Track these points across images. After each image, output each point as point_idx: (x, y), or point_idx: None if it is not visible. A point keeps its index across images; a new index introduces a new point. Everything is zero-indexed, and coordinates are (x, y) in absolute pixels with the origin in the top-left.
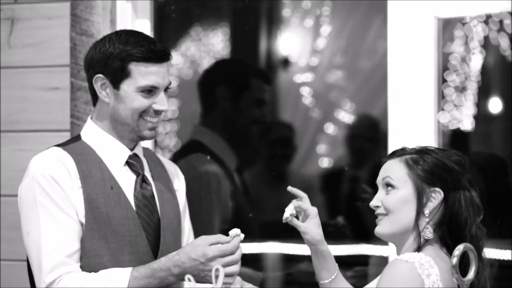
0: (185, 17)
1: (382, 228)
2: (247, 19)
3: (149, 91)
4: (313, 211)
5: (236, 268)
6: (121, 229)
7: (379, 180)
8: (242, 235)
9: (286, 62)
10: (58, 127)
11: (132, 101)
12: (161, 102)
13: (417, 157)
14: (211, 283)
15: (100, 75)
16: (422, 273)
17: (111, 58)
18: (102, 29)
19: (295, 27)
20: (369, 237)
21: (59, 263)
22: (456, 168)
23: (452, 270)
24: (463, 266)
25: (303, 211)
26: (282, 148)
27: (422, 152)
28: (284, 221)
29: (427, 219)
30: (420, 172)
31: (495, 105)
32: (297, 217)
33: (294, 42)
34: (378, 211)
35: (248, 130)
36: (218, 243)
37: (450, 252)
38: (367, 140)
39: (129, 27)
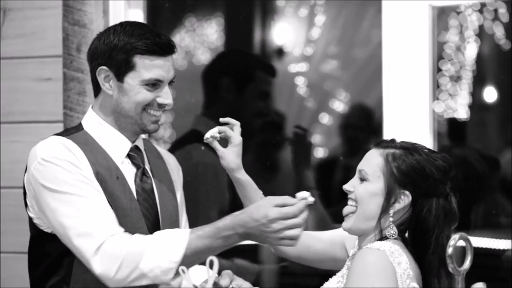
0: (179, 7)
1: (347, 224)
2: (241, 9)
3: (154, 84)
4: (237, 139)
5: (297, 231)
6: (123, 220)
7: (358, 168)
8: (312, 199)
9: (280, 52)
10: (51, 118)
11: (136, 94)
12: (165, 95)
13: (399, 154)
14: (273, 244)
15: (104, 67)
16: (393, 261)
17: (115, 50)
18: (94, 19)
19: (289, 16)
20: None
21: (106, 224)
22: (435, 174)
23: (448, 260)
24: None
25: (229, 137)
26: (276, 138)
27: (408, 149)
28: (204, 141)
29: (391, 219)
30: (395, 171)
31: (490, 94)
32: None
33: (289, 32)
34: (349, 196)
35: (251, 122)
36: (283, 204)
37: (411, 253)
38: (362, 129)
39: (121, 17)
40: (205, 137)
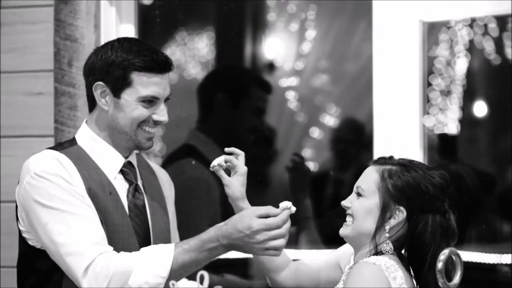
0: (170, 21)
1: (344, 230)
2: (232, 23)
3: (150, 101)
4: (243, 169)
5: (282, 242)
6: (115, 236)
7: (355, 184)
8: (294, 208)
9: (271, 66)
10: (42, 133)
11: (132, 110)
12: (161, 113)
13: (395, 171)
14: (258, 254)
15: (101, 82)
16: (388, 276)
17: (112, 66)
18: (86, 34)
19: (280, 31)
20: None
21: (95, 243)
22: (431, 191)
23: (438, 274)
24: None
25: (234, 167)
26: (267, 152)
27: (405, 166)
28: (211, 169)
29: (387, 234)
30: (390, 187)
31: (480, 108)
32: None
33: (279, 46)
34: (347, 211)
35: (245, 138)
36: (267, 215)
37: (407, 269)
38: (352, 143)
39: (113, 32)
40: (211, 165)
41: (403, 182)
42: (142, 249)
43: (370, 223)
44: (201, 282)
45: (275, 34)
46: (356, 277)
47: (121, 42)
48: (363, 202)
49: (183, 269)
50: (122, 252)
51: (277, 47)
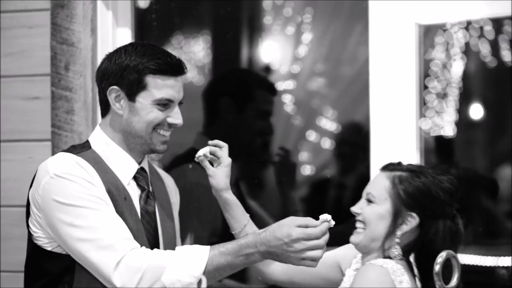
0: (166, 25)
1: (355, 238)
2: (228, 27)
3: (165, 104)
4: (227, 160)
5: (319, 253)
6: None
7: (365, 190)
8: (333, 222)
9: (267, 70)
10: (39, 137)
11: (148, 113)
12: (176, 116)
13: (406, 177)
14: (294, 264)
15: (115, 86)
16: (395, 279)
17: (127, 70)
18: (82, 38)
19: (276, 34)
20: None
21: (126, 238)
22: (441, 196)
23: (435, 277)
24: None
25: (218, 158)
26: (264, 156)
27: (414, 172)
28: (195, 160)
29: (397, 240)
30: (402, 193)
31: (476, 111)
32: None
33: (276, 50)
34: (357, 218)
35: (251, 142)
36: (306, 225)
37: (413, 273)
38: (350, 146)
39: (110, 36)
40: (196, 156)
41: (414, 188)
42: (178, 247)
43: (382, 229)
44: (199, 286)
45: (271, 38)
46: (362, 278)
47: (135, 46)
48: (375, 208)
49: (217, 271)
50: (155, 249)
51: (273, 50)
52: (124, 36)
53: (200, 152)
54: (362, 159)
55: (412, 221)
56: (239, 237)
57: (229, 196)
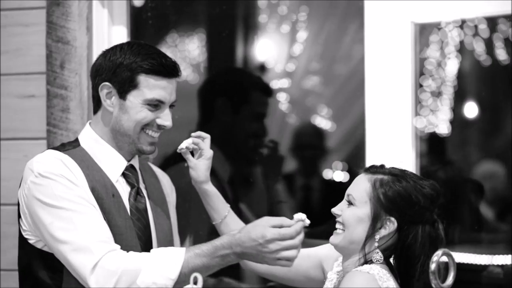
0: (162, 23)
1: (334, 239)
2: (223, 25)
3: (155, 105)
4: (209, 153)
5: (294, 253)
6: (118, 238)
7: (346, 192)
8: (308, 221)
9: (262, 68)
10: (34, 135)
11: (137, 112)
12: (165, 117)
13: (387, 180)
14: (270, 264)
15: (107, 83)
16: (382, 285)
17: (120, 67)
18: (78, 36)
19: (271, 33)
20: None
21: (103, 241)
22: (421, 202)
23: (431, 276)
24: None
25: (200, 150)
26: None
27: (396, 176)
28: (178, 151)
29: (376, 244)
30: (382, 197)
31: (470, 109)
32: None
33: (271, 48)
34: (337, 219)
35: (246, 142)
36: (280, 225)
37: (395, 278)
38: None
39: (105, 34)
40: (179, 148)
41: (394, 193)
42: (153, 250)
43: (360, 232)
44: (195, 283)
45: (267, 36)
46: (350, 285)
47: (131, 45)
48: (354, 211)
49: (193, 273)
50: (131, 252)
51: (268, 48)
52: (120, 34)
53: (183, 145)
54: (358, 158)
55: (390, 225)
56: (220, 227)
57: (209, 188)
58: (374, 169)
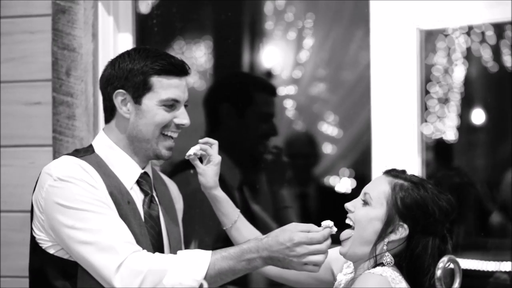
0: (168, 30)
1: (343, 249)
2: (229, 32)
3: (171, 105)
4: (217, 159)
5: (321, 258)
6: None
7: (363, 190)
8: (335, 229)
9: (269, 75)
10: (40, 142)
11: (154, 115)
12: (182, 116)
13: (407, 186)
14: (296, 269)
15: (121, 90)
16: (394, 287)
17: (132, 72)
18: (84, 43)
19: (277, 40)
20: None
21: (127, 241)
22: (436, 214)
23: (437, 282)
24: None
25: (208, 156)
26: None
27: (416, 184)
28: (186, 158)
29: (385, 247)
30: (399, 202)
31: (478, 116)
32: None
33: (277, 55)
34: (349, 215)
35: (255, 146)
36: (308, 230)
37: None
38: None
39: (111, 41)
40: (187, 154)
41: (412, 200)
42: (179, 252)
43: (370, 232)
44: None
45: (273, 43)
46: (363, 286)
47: (137, 50)
48: (368, 211)
49: (219, 276)
50: (157, 253)
51: (274, 55)
52: (125, 41)
53: (191, 151)
54: (364, 164)
55: (402, 231)
56: (230, 232)
57: (218, 193)
58: (396, 173)
